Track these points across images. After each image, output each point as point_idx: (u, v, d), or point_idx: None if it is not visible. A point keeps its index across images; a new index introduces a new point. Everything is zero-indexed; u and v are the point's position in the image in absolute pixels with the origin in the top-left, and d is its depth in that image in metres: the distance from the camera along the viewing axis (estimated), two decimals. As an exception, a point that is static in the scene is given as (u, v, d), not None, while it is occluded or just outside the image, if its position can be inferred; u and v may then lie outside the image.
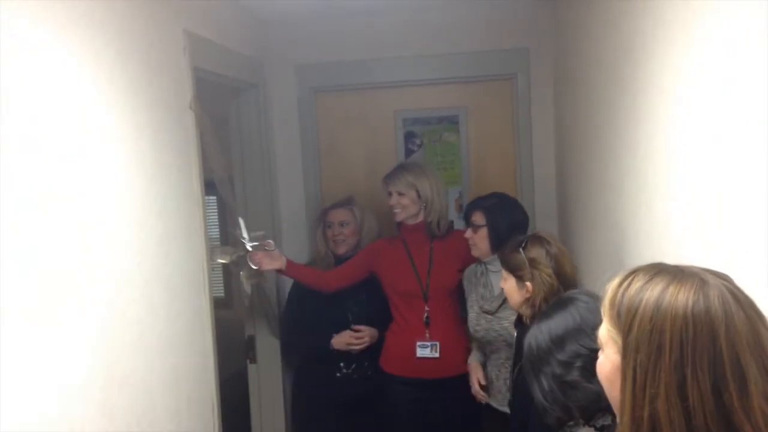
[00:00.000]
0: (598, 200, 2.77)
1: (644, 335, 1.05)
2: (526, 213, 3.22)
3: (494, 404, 3.07)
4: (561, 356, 1.73)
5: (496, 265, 3.08)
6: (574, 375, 1.70)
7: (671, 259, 1.25)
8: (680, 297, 1.05)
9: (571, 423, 1.77)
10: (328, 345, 3.49)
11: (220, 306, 3.47)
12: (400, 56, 3.90)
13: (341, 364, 3.52)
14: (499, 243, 2.90)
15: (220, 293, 5.73)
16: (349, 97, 4.06)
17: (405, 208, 3.38)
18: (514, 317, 2.99)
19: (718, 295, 1.04)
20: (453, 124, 4.01)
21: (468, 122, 4.00)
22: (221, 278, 5.76)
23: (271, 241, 3.35)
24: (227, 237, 3.50)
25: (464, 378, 3.22)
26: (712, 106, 1.52)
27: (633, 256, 2.27)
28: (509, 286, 2.51)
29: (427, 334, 3.32)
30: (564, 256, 2.46)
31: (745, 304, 1.05)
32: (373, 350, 3.48)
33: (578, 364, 1.70)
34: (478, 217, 3.09)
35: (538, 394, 1.77)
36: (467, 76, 3.93)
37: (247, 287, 3.41)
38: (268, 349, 3.84)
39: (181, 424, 2.43)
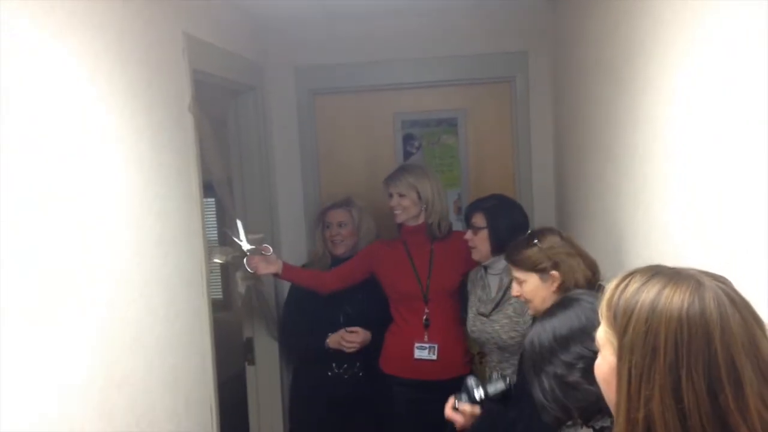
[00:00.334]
0: (597, 202, 2.77)
1: (639, 337, 1.06)
2: (525, 214, 3.21)
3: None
4: (564, 357, 1.72)
5: (495, 267, 3.11)
6: (576, 376, 1.69)
7: (670, 260, 1.25)
8: (675, 299, 1.05)
9: (570, 423, 1.77)
10: (324, 345, 3.51)
11: (218, 308, 3.48)
12: (399, 59, 3.91)
13: (333, 364, 3.53)
14: (500, 244, 2.89)
15: (219, 295, 5.73)
16: (348, 100, 4.06)
17: (406, 209, 3.38)
18: (506, 321, 3.01)
19: (714, 297, 1.04)
20: (452, 126, 4.02)
21: (467, 124, 4.00)
22: (219, 280, 5.77)
23: (268, 246, 3.35)
24: (225, 239, 3.50)
25: (462, 380, 3.21)
26: (712, 107, 1.52)
27: (631, 257, 2.27)
28: (531, 286, 2.37)
29: (426, 336, 3.32)
30: (574, 240, 2.43)
31: (742, 306, 1.05)
32: (366, 351, 3.49)
33: (580, 365, 1.69)
34: (479, 219, 3.09)
35: (538, 393, 1.76)
36: (466, 78, 3.95)
37: (241, 288, 3.44)
38: (267, 351, 3.84)
39: (179, 424, 2.42)
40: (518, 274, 2.41)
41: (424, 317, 3.34)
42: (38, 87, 1.67)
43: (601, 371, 1.17)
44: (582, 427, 1.74)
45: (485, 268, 3.17)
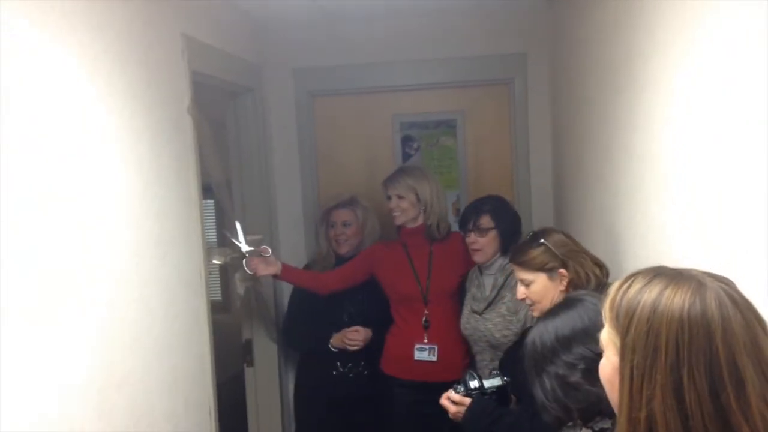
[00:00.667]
0: (595, 203, 2.77)
1: (641, 337, 1.06)
2: (516, 212, 3.30)
3: None
4: (567, 357, 1.72)
5: (491, 267, 3.15)
6: (577, 377, 1.69)
7: (668, 260, 1.25)
8: (677, 299, 1.05)
9: (570, 424, 1.77)
10: (327, 344, 3.51)
11: (217, 309, 3.48)
12: (398, 60, 3.91)
13: (338, 363, 3.53)
14: (507, 244, 2.98)
15: (218, 297, 5.73)
16: (347, 101, 4.06)
17: (404, 211, 3.38)
18: (499, 320, 3.03)
19: (715, 297, 1.05)
20: (450, 128, 4.02)
21: (465, 126, 4.01)
22: (219, 282, 5.77)
23: (267, 248, 3.35)
24: (224, 240, 3.50)
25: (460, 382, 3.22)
26: (712, 107, 1.52)
27: (629, 258, 2.28)
28: (539, 287, 2.34)
29: (426, 338, 3.33)
30: (574, 238, 2.44)
31: (744, 307, 1.06)
32: (370, 350, 3.49)
33: (582, 366, 1.69)
34: (486, 221, 3.09)
35: (538, 392, 1.76)
36: (465, 80, 3.95)
37: (240, 289, 3.44)
38: (266, 352, 3.84)
39: (178, 425, 2.42)
40: (525, 275, 2.38)
41: (424, 318, 3.34)
42: (38, 87, 1.68)
43: (604, 372, 1.18)
44: (581, 428, 1.74)
45: (480, 267, 3.19)
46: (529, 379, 1.80)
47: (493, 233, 3.09)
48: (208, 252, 2.96)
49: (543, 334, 1.79)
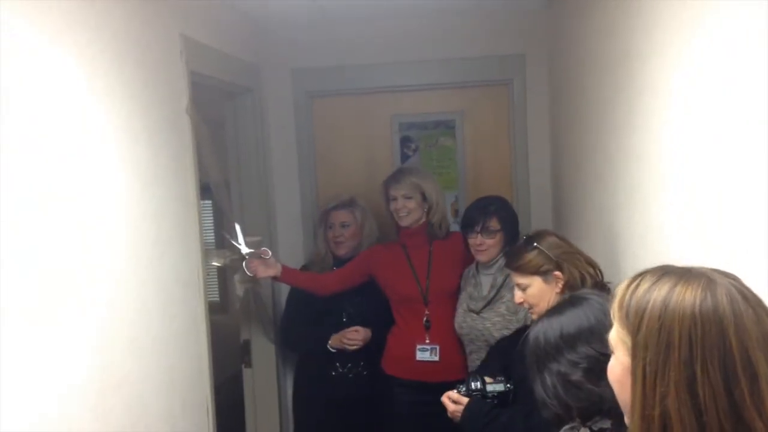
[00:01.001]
0: (594, 203, 2.77)
1: (653, 334, 1.06)
2: (515, 212, 3.31)
3: None
4: (570, 356, 1.71)
5: (491, 268, 3.14)
6: (579, 375, 1.69)
7: (666, 260, 1.25)
8: (687, 296, 1.05)
9: (570, 425, 1.77)
10: (326, 344, 3.51)
11: (215, 310, 3.48)
12: (396, 61, 3.91)
13: (337, 364, 3.53)
14: (509, 244, 2.98)
15: (216, 298, 5.72)
16: (346, 102, 4.06)
17: (411, 211, 3.37)
18: (498, 319, 3.03)
19: (726, 293, 1.05)
20: (449, 128, 4.02)
21: (464, 127, 4.01)
22: (216, 283, 5.76)
23: (267, 249, 3.35)
24: (223, 242, 3.50)
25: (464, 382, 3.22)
26: (711, 107, 1.52)
27: (628, 258, 2.28)
28: (536, 290, 2.36)
29: (427, 338, 3.32)
30: (568, 239, 2.46)
31: (754, 302, 1.06)
32: (369, 350, 3.49)
33: (584, 365, 1.69)
34: (494, 223, 3.08)
35: (539, 389, 1.76)
36: (464, 81, 3.95)
37: (239, 290, 3.44)
38: (264, 353, 3.83)
39: (176, 426, 2.42)
40: (521, 279, 2.39)
41: (425, 319, 3.34)
42: (37, 87, 1.68)
43: (614, 372, 1.17)
44: (581, 428, 1.74)
45: (477, 266, 3.19)
46: (531, 374, 1.80)
47: (500, 235, 3.09)
48: (207, 253, 2.96)
49: (548, 330, 1.78)
